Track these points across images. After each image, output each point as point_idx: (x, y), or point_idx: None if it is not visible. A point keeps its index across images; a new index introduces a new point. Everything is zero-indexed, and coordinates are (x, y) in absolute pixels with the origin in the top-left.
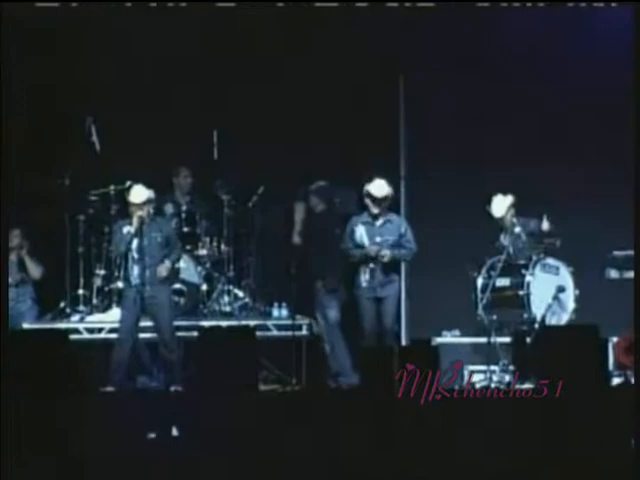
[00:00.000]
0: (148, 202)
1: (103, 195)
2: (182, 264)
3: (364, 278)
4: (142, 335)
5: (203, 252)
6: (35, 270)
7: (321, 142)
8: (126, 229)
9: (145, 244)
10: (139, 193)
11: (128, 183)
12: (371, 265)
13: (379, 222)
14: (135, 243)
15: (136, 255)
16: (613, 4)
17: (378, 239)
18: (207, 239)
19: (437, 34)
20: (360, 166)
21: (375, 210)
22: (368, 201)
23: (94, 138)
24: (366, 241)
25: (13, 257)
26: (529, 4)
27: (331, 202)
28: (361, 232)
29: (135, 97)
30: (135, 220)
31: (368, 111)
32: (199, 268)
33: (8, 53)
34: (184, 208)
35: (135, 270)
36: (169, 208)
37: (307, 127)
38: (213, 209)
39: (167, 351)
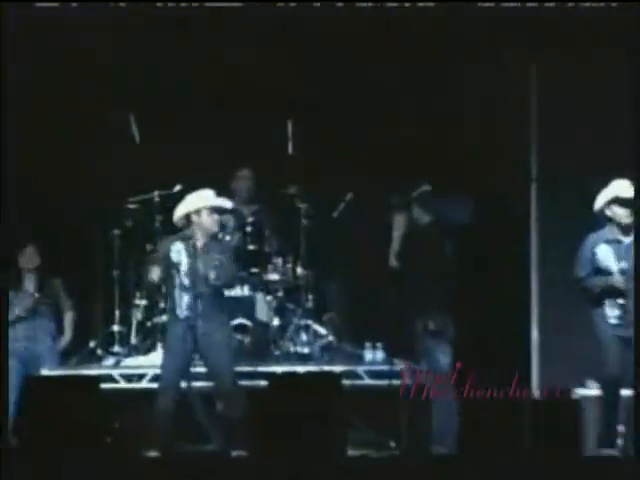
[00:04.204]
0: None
1: (145, 203)
2: (247, 292)
3: (613, 313)
4: (196, 384)
5: (274, 277)
6: (68, 307)
7: (427, 137)
8: (176, 246)
9: (199, 267)
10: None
11: (177, 187)
12: (622, 297)
13: (627, 240)
14: (185, 265)
15: (186, 281)
16: (613, 4)
17: (627, 263)
18: (279, 260)
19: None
20: (478, 167)
21: (627, 223)
22: (618, 210)
23: (133, 130)
24: (613, 266)
25: (30, 285)
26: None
27: (440, 213)
28: (606, 254)
29: (185, 79)
30: (199, 233)
31: (487, 102)
32: (269, 297)
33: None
34: (249, 220)
35: (184, 299)
36: (229, 220)
37: (409, 118)
38: (286, 221)
39: (227, 405)
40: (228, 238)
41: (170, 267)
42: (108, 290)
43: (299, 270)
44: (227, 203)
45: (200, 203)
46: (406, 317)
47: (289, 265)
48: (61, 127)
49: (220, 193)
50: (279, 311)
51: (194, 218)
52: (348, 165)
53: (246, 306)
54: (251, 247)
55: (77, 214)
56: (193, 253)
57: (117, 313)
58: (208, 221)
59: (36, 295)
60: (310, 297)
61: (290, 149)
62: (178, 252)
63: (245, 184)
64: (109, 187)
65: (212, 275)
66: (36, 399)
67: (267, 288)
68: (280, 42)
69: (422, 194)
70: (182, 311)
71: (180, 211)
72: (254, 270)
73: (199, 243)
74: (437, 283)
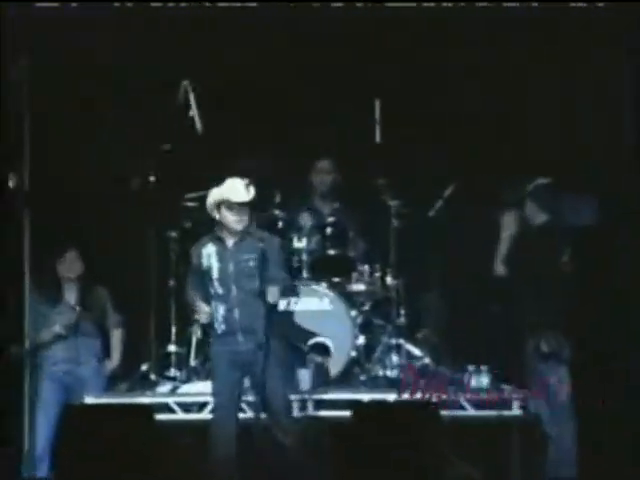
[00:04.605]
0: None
1: (205, 200)
2: (327, 305)
3: None
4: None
5: (359, 287)
6: (116, 323)
7: (544, 127)
8: (207, 249)
9: (231, 272)
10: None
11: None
12: None
13: None
14: (216, 270)
15: (220, 289)
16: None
17: None
18: (365, 267)
19: None
20: (601, 160)
21: None
22: None
23: (193, 111)
24: None
25: (70, 297)
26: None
27: (558, 211)
28: None
29: (252, 60)
30: (226, 232)
31: (612, 92)
32: (353, 312)
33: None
34: (329, 220)
35: (220, 312)
36: (306, 220)
37: (525, 104)
38: (374, 221)
39: (284, 438)
40: (304, 242)
41: (203, 274)
42: (163, 303)
43: (389, 279)
44: (242, 196)
45: (214, 197)
46: (515, 335)
47: (377, 274)
48: (106, 115)
49: (297, 188)
50: (365, 328)
51: (216, 214)
52: (447, 155)
53: (325, 322)
54: (331, 252)
55: (126, 214)
56: (224, 256)
57: (174, 330)
58: (227, 217)
59: (77, 309)
60: (402, 311)
61: (378, 136)
62: (209, 256)
63: (325, 178)
64: (163, 182)
65: (245, 281)
66: (78, 431)
67: (351, 301)
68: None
69: (538, 188)
70: (219, 325)
71: (207, 206)
72: (335, 279)
73: (229, 243)
74: (551, 294)
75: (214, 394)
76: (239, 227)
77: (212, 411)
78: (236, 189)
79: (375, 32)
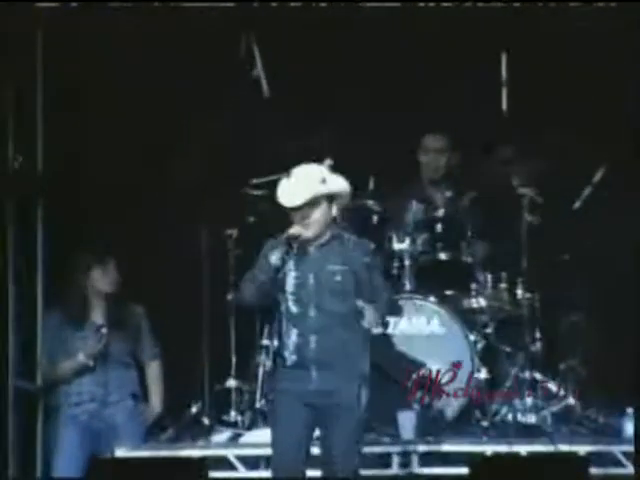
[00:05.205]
0: (322, 201)
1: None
2: (437, 327)
3: None
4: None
5: (480, 302)
6: (151, 355)
7: None
8: (275, 255)
9: (311, 283)
10: (305, 182)
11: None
12: None
13: None
14: (292, 281)
15: (294, 307)
16: (612, 4)
17: None
18: (488, 276)
19: None
20: None
21: None
22: None
23: (258, 71)
24: None
25: (98, 316)
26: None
27: None
28: None
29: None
30: (304, 234)
31: None
32: (472, 336)
33: None
34: (440, 213)
35: (292, 336)
36: (410, 213)
37: None
38: (500, 216)
39: None
40: (406, 243)
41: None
42: (219, 324)
43: (519, 292)
44: (293, 198)
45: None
46: None
47: (503, 285)
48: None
49: (397, 172)
50: (488, 357)
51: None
52: (596, 127)
53: (435, 349)
54: (442, 256)
55: (170, 208)
56: (304, 264)
57: (234, 360)
58: (294, 218)
59: (104, 331)
60: (537, 335)
61: (504, 102)
62: (283, 261)
63: (435, 158)
64: (218, 167)
65: (329, 300)
66: None
67: (469, 320)
68: None
69: None
70: (289, 355)
71: None
72: (448, 292)
73: (311, 248)
74: None
75: (274, 443)
76: (306, 234)
77: (274, 464)
78: (287, 186)
79: None
